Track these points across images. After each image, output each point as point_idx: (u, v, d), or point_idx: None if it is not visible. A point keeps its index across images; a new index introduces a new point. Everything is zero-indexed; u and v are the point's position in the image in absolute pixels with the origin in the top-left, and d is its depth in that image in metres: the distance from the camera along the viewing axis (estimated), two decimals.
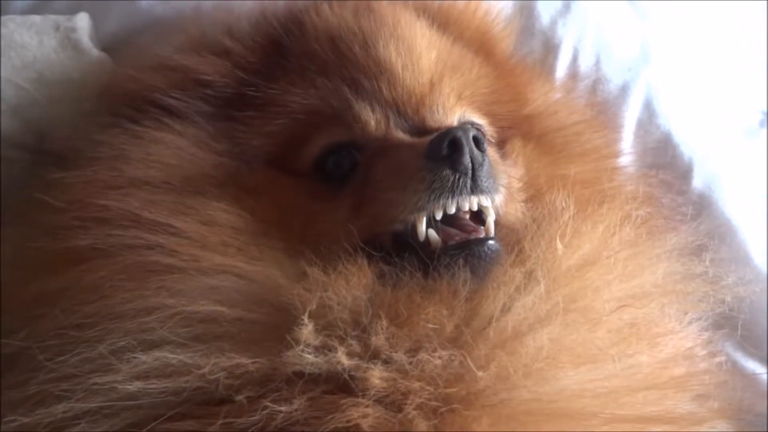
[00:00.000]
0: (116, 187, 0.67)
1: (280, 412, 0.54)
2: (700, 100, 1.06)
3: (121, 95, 0.77)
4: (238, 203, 0.68)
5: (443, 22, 0.84)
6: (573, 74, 1.01)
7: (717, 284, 0.71)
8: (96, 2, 0.88)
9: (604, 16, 1.05)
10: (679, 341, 0.67)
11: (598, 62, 1.02)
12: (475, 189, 0.64)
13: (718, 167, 0.99)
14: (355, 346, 0.57)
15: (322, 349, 0.57)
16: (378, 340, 0.57)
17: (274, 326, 0.59)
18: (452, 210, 0.64)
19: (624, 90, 1.01)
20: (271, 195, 0.70)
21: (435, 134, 0.66)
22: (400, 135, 0.70)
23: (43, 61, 0.80)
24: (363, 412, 0.54)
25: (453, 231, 0.65)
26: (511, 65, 0.89)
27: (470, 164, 0.63)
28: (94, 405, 0.57)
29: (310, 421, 0.54)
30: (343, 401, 0.55)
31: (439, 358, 0.57)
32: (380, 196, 0.66)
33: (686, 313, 0.70)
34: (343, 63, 0.74)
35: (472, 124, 0.75)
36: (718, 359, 0.73)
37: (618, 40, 1.04)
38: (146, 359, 0.57)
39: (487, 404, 0.55)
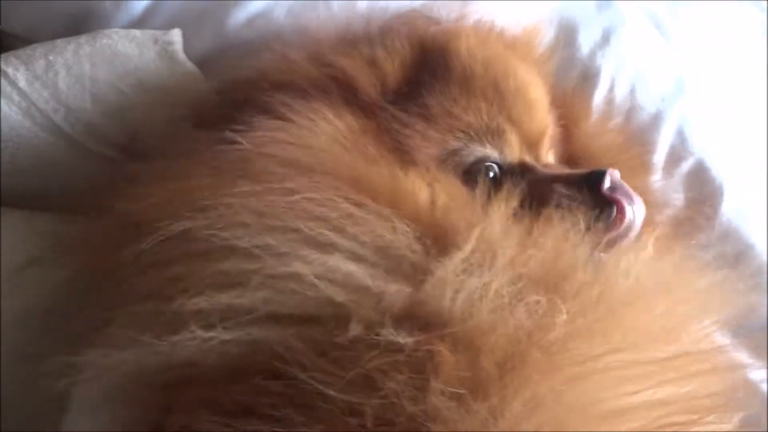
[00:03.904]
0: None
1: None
2: (732, 131, 1.10)
3: (274, 81, 0.78)
4: None
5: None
6: (609, 101, 1.06)
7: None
8: (187, 24, 0.96)
9: (640, 49, 1.12)
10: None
11: (633, 92, 1.08)
12: None
13: (746, 195, 1.03)
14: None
15: (458, 288, 0.57)
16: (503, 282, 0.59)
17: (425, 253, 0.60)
18: None
19: (657, 118, 1.06)
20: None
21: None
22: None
23: (143, 69, 0.87)
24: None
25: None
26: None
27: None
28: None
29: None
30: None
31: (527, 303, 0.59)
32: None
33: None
34: (498, 92, 0.83)
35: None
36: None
37: (653, 72, 1.10)
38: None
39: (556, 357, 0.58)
